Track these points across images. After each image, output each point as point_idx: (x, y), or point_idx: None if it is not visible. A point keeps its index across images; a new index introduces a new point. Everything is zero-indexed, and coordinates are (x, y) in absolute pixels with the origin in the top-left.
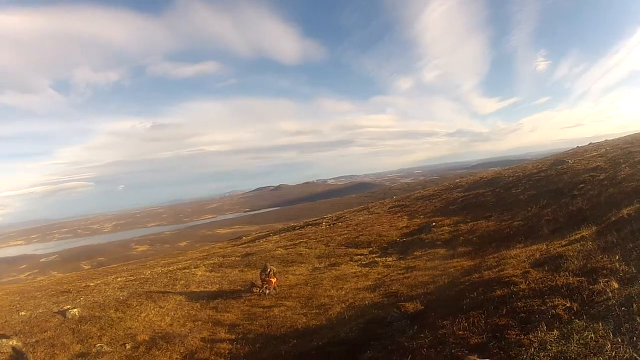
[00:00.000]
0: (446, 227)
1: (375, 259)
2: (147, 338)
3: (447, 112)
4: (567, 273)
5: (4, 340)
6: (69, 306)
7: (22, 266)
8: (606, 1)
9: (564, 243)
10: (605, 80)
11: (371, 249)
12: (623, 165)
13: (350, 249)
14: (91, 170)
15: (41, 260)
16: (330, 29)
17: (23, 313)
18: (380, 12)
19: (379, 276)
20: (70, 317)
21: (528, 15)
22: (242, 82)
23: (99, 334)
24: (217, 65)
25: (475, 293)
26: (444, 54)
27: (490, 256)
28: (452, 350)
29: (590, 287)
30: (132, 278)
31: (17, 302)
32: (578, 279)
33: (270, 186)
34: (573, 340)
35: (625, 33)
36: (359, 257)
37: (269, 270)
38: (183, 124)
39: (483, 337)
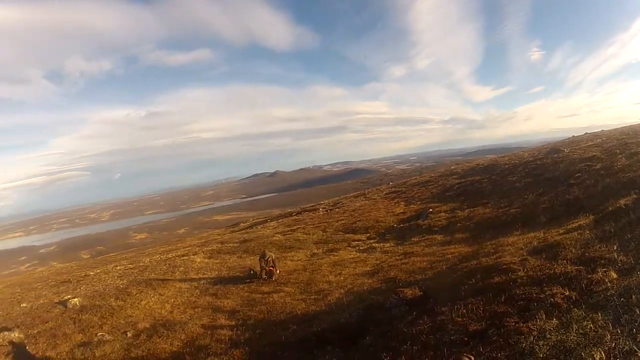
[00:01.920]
0: (443, 214)
1: (373, 244)
2: (147, 326)
3: (440, 99)
4: (565, 261)
5: (5, 332)
6: (69, 296)
7: (22, 258)
8: None
9: (561, 231)
10: (600, 71)
11: (369, 234)
12: (619, 156)
13: (348, 235)
14: (87, 159)
15: (40, 251)
16: (322, 16)
17: (24, 305)
18: (372, 0)
19: (377, 262)
20: (71, 307)
21: (521, 5)
22: (234, 69)
23: (100, 322)
24: (210, 53)
25: (473, 280)
26: (437, 42)
27: (488, 243)
28: (451, 337)
29: (589, 276)
30: (131, 266)
31: (18, 294)
32: (576, 267)
33: (266, 172)
34: (572, 329)
35: (621, 27)
36: (356, 242)
37: (267, 256)
38: (178, 111)
39: (482, 324)
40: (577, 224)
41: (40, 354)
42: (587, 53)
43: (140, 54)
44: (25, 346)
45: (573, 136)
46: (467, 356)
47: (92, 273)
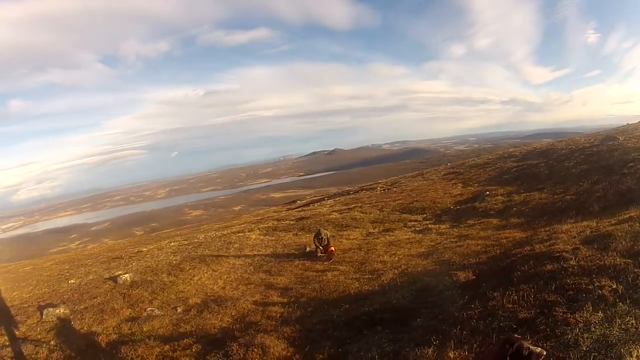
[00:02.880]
0: (499, 197)
1: (429, 225)
2: (198, 301)
3: (500, 79)
4: (615, 253)
5: (50, 309)
6: (120, 272)
7: (73, 235)
8: None
9: (613, 222)
10: None
11: (425, 215)
12: None
13: (404, 215)
14: (143, 138)
15: (92, 229)
16: None
17: (72, 281)
18: None
19: (432, 243)
20: (121, 282)
21: None
22: (294, 47)
23: (150, 298)
24: (269, 32)
25: (526, 266)
26: (496, 21)
27: (542, 229)
28: (501, 324)
29: (636, 270)
30: (185, 242)
31: (67, 271)
32: (625, 260)
33: (325, 150)
34: (615, 324)
35: None
36: (412, 223)
37: (322, 235)
38: (237, 90)
39: (531, 312)
40: (628, 215)
41: (85, 329)
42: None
43: (198, 35)
44: (71, 321)
45: (627, 124)
46: (516, 337)
47: (144, 249)
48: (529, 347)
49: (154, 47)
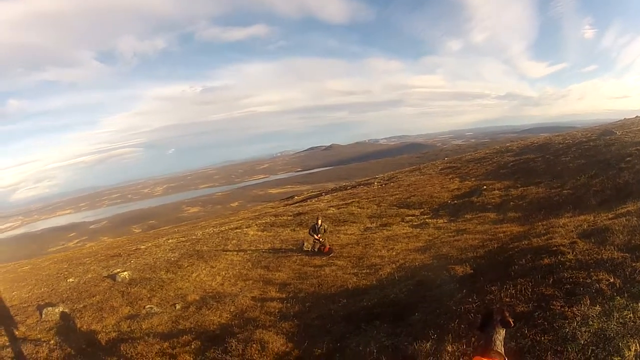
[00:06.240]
0: (497, 192)
1: (427, 220)
2: (197, 298)
3: (496, 74)
4: (612, 247)
5: (49, 308)
6: (118, 270)
7: (71, 234)
8: None
9: (610, 216)
10: None
11: (422, 210)
12: None
13: (401, 210)
14: (140, 136)
15: (90, 227)
16: None
17: (71, 280)
18: None
19: (430, 238)
20: (120, 280)
21: None
22: (291, 43)
23: (149, 295)
24: (266, 28)
25: (523, 260)
26: (492, 15)
27: (539, 223)
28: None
29: (633, 264)
30: (183, 239)
31: (65, 270)
32: (622, 254)
33: (322, 146)
34: (613, 318)
35: None
36: (410, 218)
37: (319, 225)
38: (234, 86)
39: (529, 306)
40: (625, 210)
41: (85, 327)
42: (637, 33)
43: (196, 32)
44: (70, 320)
45: (625, 118)
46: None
47: (143, 247)
48: (501, 311)
49: (150, 44)
